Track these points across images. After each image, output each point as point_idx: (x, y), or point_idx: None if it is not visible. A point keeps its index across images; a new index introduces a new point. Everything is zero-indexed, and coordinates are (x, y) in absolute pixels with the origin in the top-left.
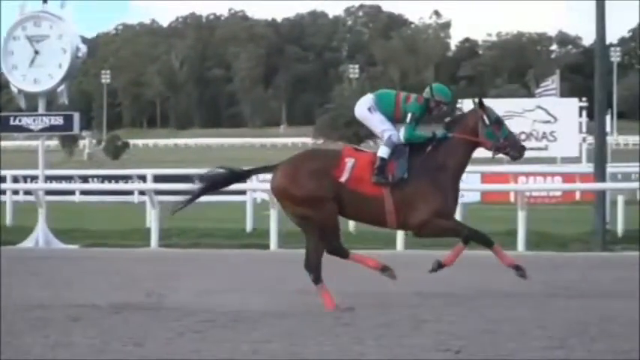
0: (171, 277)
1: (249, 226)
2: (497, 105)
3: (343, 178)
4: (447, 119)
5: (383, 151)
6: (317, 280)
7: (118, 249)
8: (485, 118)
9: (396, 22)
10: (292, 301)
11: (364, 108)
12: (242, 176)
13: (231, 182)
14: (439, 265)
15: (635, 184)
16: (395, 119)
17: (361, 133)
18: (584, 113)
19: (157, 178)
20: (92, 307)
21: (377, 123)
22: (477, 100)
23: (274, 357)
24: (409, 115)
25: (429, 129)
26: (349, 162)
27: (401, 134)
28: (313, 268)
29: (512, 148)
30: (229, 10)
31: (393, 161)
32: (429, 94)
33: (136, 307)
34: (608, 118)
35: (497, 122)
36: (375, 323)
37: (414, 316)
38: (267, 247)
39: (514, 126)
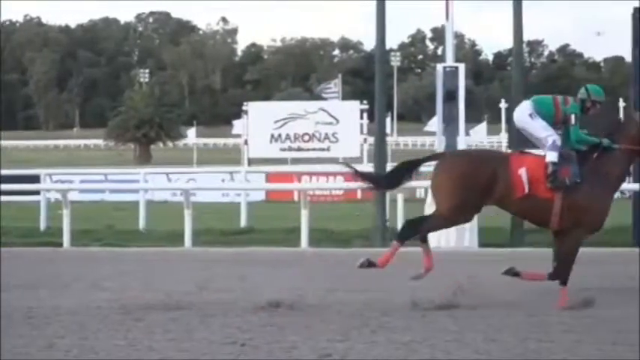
0: None
1: (42, 225)
2: (282, 108)
3: (526, 191)
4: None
5: (552, 156)
6: (423, 239)
7: None
8: None
9: (185, 28)
10: (84, 297)
11: (525, 114)
12: (416, 164)
13: (411, 172)
14: None
15: (414, 183)
16: (555, 122)
17: (151, 135)
18: (365, 115)
19: None
20: None
21: (539, 129)
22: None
23: (69, 351)
24: (572, 117)
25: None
26: (523, 173)
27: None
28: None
29: None
30: (25, 16)
31: (565, 165)
32: (585, 95)
33: None
34: (388, 119)
35: None
36: (164, 318)
37: (202, 310)
38: (60, 245)
39: (298, 128)
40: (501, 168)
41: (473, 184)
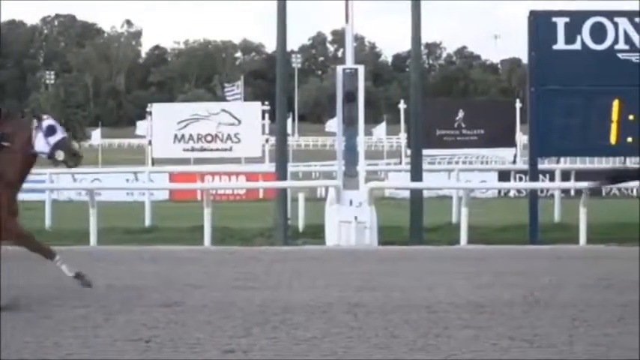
0: None
1: None
2: (185, 109)
3: None
4: None
5: None
6: None
7: None
8: None
9: (90, 30)
10: None
11: None
12: None
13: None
14: None
15: (315, 182)
16: None
17: None
18: (266, 116)
19: None
20: None
21: None
22: None
23: None
24: None
25: None
26: None
27: None
28: None
29: None
30: None
31: None
32: None
33: None
34: (289, 120)
35: None
36: (71, 315)
37: (107, 307)
38: None
39: (200, 128)
40: None
41: None
